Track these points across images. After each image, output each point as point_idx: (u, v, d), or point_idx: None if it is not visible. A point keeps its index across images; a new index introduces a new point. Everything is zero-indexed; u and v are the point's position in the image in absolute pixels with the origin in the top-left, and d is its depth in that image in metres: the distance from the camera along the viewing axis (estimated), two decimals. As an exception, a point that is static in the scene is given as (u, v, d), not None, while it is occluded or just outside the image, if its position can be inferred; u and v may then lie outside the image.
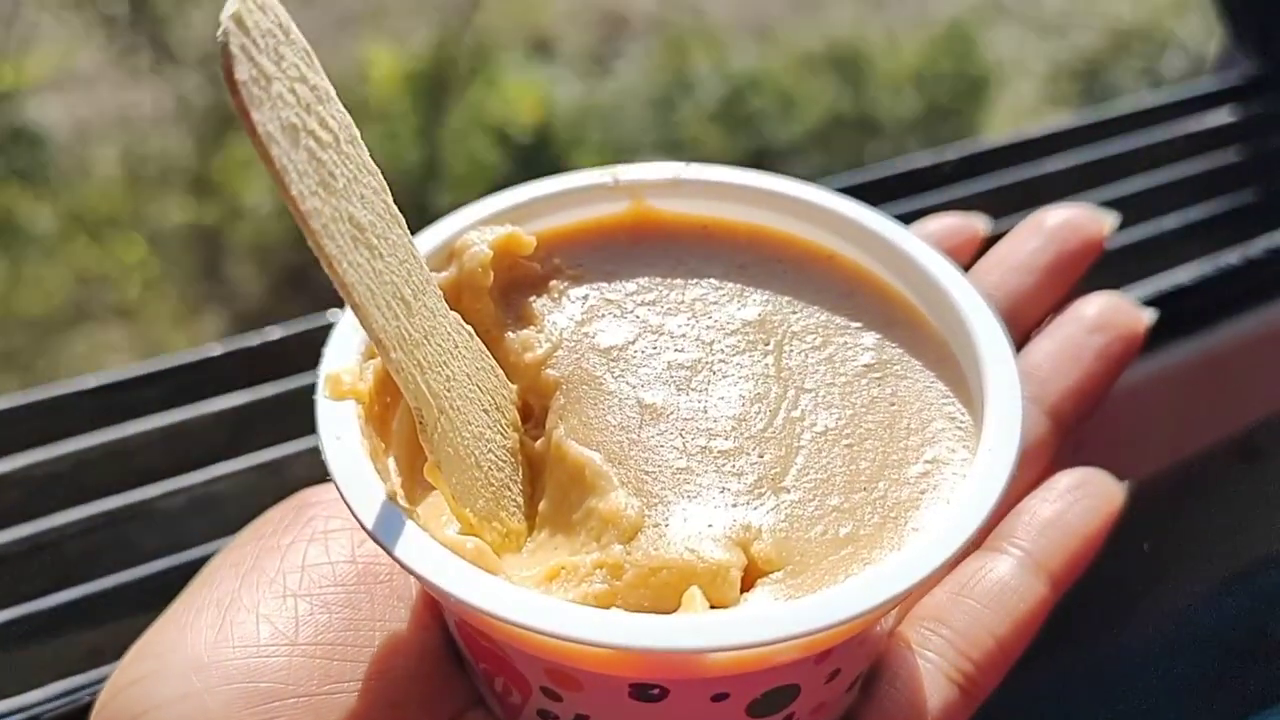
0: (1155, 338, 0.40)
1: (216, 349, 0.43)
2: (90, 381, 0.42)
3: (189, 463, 0.40)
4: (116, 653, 0.30)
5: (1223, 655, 0.47)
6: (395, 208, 0.23)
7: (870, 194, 0.47)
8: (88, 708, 0.29)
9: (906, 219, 0.40)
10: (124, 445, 0.40)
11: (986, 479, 0.23)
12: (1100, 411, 0.36)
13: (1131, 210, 0.49)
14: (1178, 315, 0.44)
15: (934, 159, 0.52)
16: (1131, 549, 0.42)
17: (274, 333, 0.44)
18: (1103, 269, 0.45)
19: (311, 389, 0.25)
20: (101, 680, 0.33)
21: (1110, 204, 0.49)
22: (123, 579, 0.36)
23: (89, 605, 0.36)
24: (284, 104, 0.19)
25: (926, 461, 0.25)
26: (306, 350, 0.43)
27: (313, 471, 0.32)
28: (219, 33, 0.18)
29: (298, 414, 0.42)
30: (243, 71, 0.18)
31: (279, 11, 0.19)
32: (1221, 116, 0.56)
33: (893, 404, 0.26)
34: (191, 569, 0.30)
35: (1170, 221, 0.50)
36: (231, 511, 0.39)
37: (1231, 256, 0.46)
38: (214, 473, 0.39)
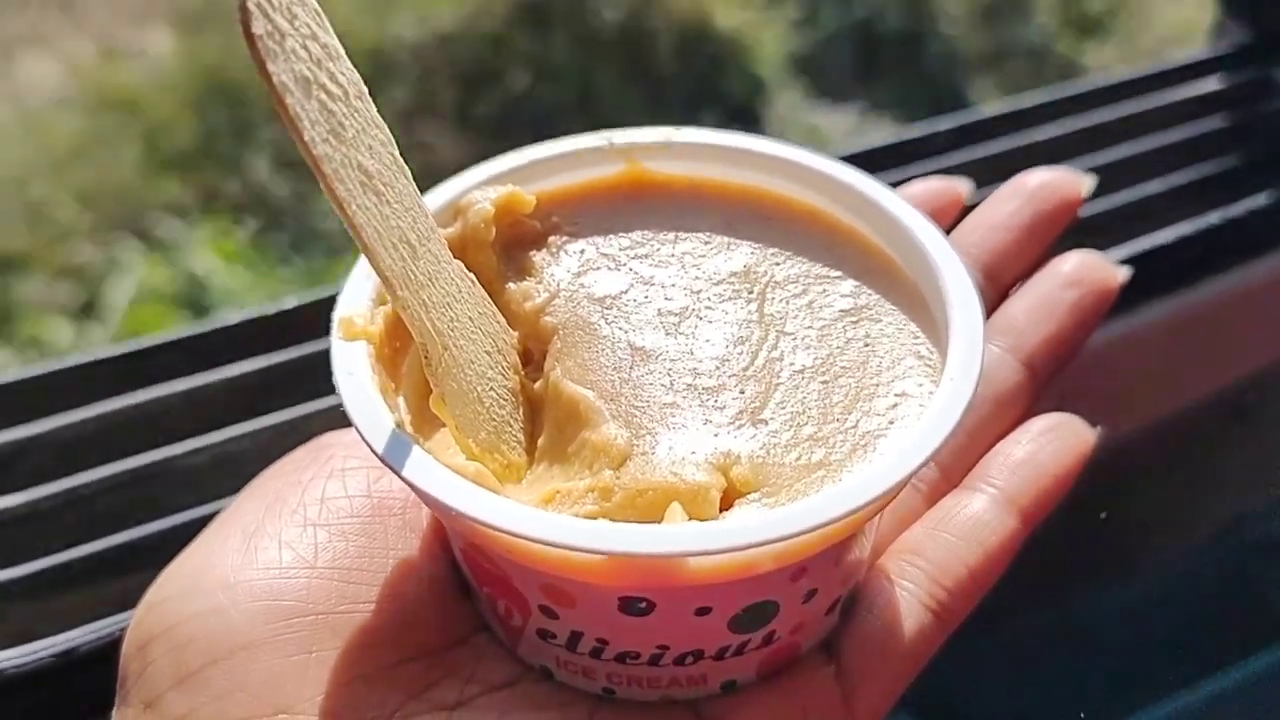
0: (1137, 296, 0.42)
1: (233, 318, 0.45)
2: (115, 349, 0.44)
3: (209, 424, 0.42)
4: (144, 598, 0.31)
5: (1208, 607, 0.48)
6: (401, 160, 0.25)
7: (866, 162, 0.48)
8: (120, 640, 0.31)
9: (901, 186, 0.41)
10: (148, 408, 0.42)
11: (946, 407, 0.24)
12: (1087, 367, 0.37)
13: (1123, 175, 0.51)
14: (1159, 274, 0.45)
15: (928, 129, 0.53)
16: (1118, 505, 0.44)
17: (288, 302, 0.46)
18: (1094, 231, 0.46)
19: (323, 355, 0.27)
20: (132, 620, 0.35)
21: (1101, 169, 0.50)
22: (148, 530, 0.38)
23: (117, 555, 0.38)
24: (297, 58, 0.21)
25: (895, 395, 0.27)
26: (317, 319, 0.45)
27: (325, 429, 0.34)
28: None
29: (310, 378, 0.44)
30: (259, 26, 0.20)
31: (292, -25, 0.21)
32: (1212, 84, 0.57)
33: (866, 344, 0.28)
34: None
35: (1157, 185, 0.51)
36: (249, 468, 0.40)
37: (1213, 217, 0.48)
38: (232, 433, 0.41)
